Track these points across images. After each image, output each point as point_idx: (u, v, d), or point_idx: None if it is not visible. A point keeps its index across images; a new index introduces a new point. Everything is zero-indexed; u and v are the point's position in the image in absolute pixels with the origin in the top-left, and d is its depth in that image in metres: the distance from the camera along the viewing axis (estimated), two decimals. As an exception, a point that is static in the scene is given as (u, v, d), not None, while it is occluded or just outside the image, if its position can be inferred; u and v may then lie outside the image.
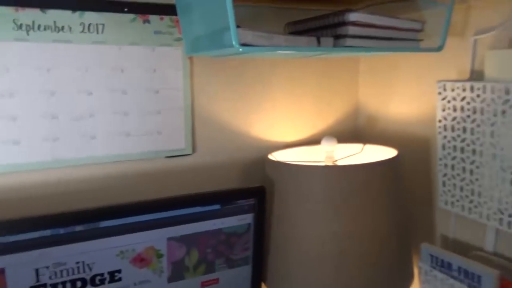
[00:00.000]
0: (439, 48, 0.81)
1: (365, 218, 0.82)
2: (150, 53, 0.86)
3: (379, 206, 0.83)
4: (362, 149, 1.03)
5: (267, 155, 0.95)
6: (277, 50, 0.66)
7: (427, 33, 0.89)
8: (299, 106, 1.06)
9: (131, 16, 0.82)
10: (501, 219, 0.78)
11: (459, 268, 0.80)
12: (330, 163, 0.95)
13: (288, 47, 0.67)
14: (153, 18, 0.84)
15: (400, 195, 0.88)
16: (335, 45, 0.72)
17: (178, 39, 0.88)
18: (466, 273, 0.79)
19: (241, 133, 0.99)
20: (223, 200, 0.81)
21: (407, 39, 0.79)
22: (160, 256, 0.78)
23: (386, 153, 0.96)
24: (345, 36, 0.71)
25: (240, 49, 0.62)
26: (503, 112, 0.73)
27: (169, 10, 0.85)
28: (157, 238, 0.77)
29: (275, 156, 0.97)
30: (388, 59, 1.05)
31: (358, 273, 0.81)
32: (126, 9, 0.82)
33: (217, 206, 0.81)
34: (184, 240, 0.79)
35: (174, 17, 0.86)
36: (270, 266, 0.89)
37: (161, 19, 0.85)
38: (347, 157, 1.03)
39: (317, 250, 0.82)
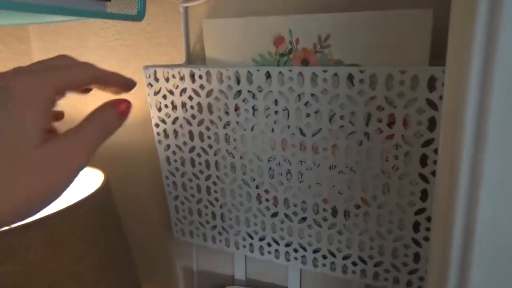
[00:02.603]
0: (138, 16, 0.52)
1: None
2: None
3: (83, 273, 0.50)
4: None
5: None
6: None
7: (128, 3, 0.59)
8: None
9: None
10: (251, 245, 0.60)
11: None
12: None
13: None
14: None
15: (119, 241, 0.58)
16: None
17: None
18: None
19: None
20: None
21: None
22: None
23: (90, 179, 0.63)
24: None
25: None
26: (236, 108, 0.53)
27: None
28: None
29: None
30: (72, 35, 0.70)
31: None
32: None
33: None
34: None
35: None
36: None
37: None
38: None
39: None
